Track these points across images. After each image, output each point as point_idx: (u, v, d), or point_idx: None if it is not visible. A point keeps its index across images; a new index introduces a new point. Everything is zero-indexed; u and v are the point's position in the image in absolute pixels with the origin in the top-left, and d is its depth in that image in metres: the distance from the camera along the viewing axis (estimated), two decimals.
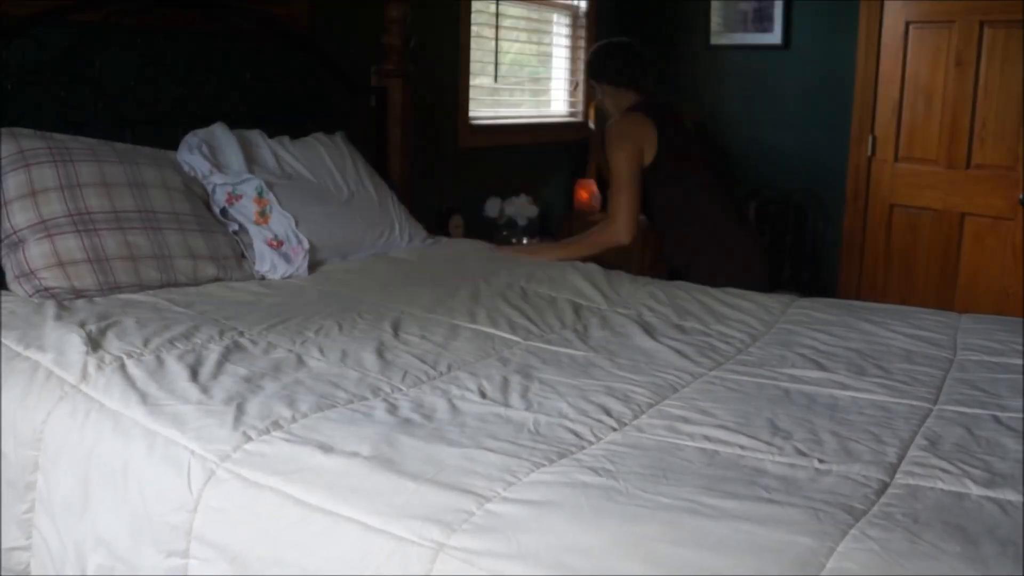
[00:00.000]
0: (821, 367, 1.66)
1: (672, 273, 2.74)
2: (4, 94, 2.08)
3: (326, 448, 1.25)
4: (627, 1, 4.40)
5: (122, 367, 1.52)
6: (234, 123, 2.40)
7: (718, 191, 2.86)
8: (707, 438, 1.32)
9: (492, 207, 3.59)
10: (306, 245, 2.27)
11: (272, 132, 2.52)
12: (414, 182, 3.02)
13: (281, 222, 2.27)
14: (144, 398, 1.41)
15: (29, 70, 2.11)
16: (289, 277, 2.20)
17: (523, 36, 4.01)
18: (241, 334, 1.72)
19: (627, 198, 2.70)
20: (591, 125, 4.11)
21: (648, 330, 1.90)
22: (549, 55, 4.12)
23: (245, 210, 2.26)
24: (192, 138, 2.30)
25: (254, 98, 2.57)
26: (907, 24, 3.77)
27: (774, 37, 4.15)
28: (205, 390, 1.44)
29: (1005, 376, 1.63)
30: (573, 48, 4.25)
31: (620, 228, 2.70)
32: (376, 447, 1.25)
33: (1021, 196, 3.48)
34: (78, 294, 1.88)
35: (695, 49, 4.44)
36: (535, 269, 2.40)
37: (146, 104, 2.33)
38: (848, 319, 1.99)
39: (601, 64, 2.89)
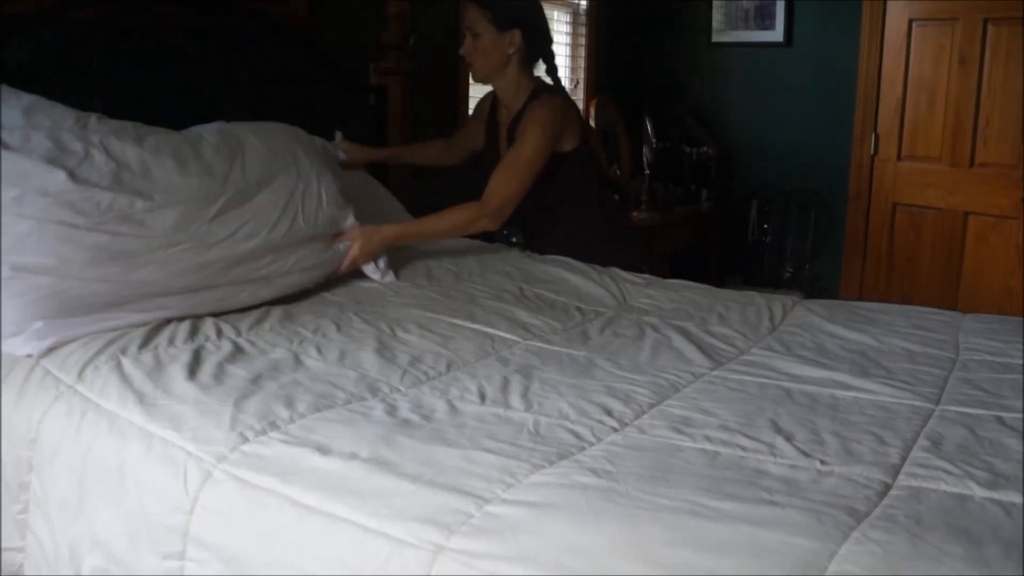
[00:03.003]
0: (823, 367, 1.65)
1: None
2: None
3: (324, 449, 1.24)
4: None
5: (118, 366, 1.51)
6: (232, 121, 2.39)
7: (607, 194, 2.82)
8: (708, 439, 1.31)
9: None
10: None
11: None
12: (413, 181, 3.01)
13: None
14: (140, 398, 1.40)
15: (26, 68, 2.10)
16: None
17: None
18: (239, 334, 1.72)
19: (520, 186, 2.35)
20: (591, 123, 4.11)
21: (649, 330, 1.89)
22: None
23: None
24: None
25: (253, 96, 2.56)
26: (910, 22, 3.76)
27: (776, 35, 4.15)
28: (202, 390, 1.43)
29: (1008, 376, 1.62)
30: (573, 46, 4.25)
31: (494, 213, 2.32)
32: (374, 448, 1.24)
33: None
34: None
35: (697, 47, 4.43)
36: (535, 269, 2.39)
37: (144, 102, 2.32)
38: (850, 319, 1.98)
39: (518, 10, 2.49)
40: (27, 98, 1.87)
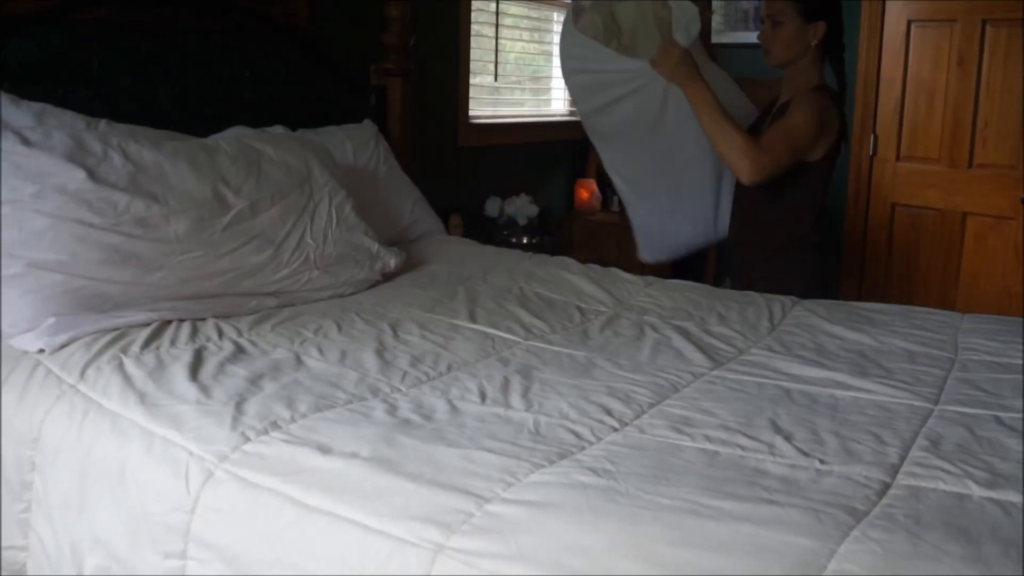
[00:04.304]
0: (822, 367, 1.66)
1: (746, 283, 2.47)
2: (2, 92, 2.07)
3: (325, 449, 1.24)
4: None
5: (120, 366, 1.51)
6: (233, 122, 2.40)
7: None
8: (708, 438, 1.31)
9: (492, 206, 3.58)
10: None
11: None
12: (413, 181, 3.01)
13: None
14: (142, 398, 1.40)
15: (27, 68, 2.10)
16: None
17: (523, 35, 4.01)
18: (240, 334, 1.72)
19: (785, 150, 2.30)
20: None
21: (649, 330, 1.89)
22: (550, 54, 4.11)
23: None
24: None
25: (253, 97, 2.56)
26: (909, 23, 3.76)
27: None
28: (204, 390, 1.43)
29: (1007, 376, 1.62)
30: None
31: (760, 168, 2.26)
32: (375, 448, 1.24)
33: (1023, 195, 3.48)
34: None
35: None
36: (534, 270, 2.39)
37: (144, 103, 2.33)
38: (850, 319, 1.99)
39: (826, 2, 2.45)
40: (36, 105, 1.90)
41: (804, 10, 2.43)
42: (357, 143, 2.61)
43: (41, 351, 1.57)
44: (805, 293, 2.29)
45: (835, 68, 2.53)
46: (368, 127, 2.72)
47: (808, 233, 2.48)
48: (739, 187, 2.55)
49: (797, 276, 2.44)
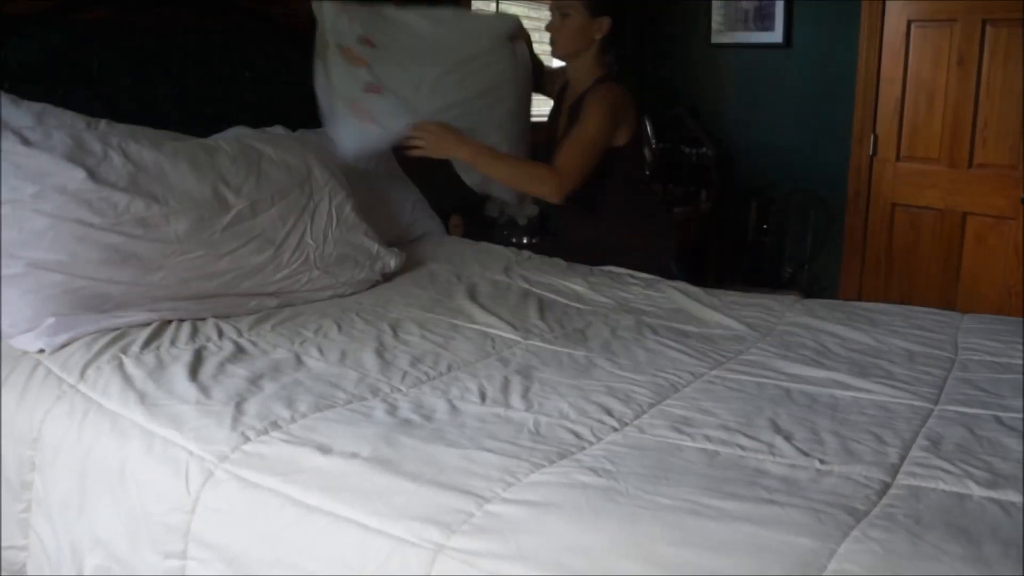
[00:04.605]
0: (822, 367, 1.66)
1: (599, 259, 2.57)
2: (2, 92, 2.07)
3: (325, 449, 1.24)
4: None
5: (120, 366, 1.51)
6: (233, 122, 2.39)
7: (651, 186, 2.85)
8: (708, 438, 1.31)
9: (492, 207, 3.58)
10: None
11: None
12: (413, 181, 3.01)
13: None
14: (142, 398, 1.40)
15: (27, 68, 2.10)
16: None
17: None
18: (240, 334, 1.72)
19: (584, 161, 2.39)
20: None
21: (649, 330, 1.89)
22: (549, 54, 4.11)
23: None
24: None
25: (253, 97, 2.56)
26: (909, 23, 3.76)
27: (775, 35, 4.15)
28: (204, 390, 1.43)
29: (1007, 376, 1.62)
30: None
31: (561, 185, 2.35)
32: (375, 448, 1.24)
33: (1023, 195, 3.48)
34: None
35: (696, 47, 4.43)
36: (535, 270, 2.39)
37: (144, 103, 2.33)
38: (850, 319, 1.99)
39: (622, 6, 2.56)
40: (37, 105, 1.89)
41: (590, 5, 2.48)
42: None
43: (41, 351, 1.57)
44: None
45: (617, 63, 2.63)
46: None
47: (638, 217, 2.59)
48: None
49: (640, 262, 2.49)
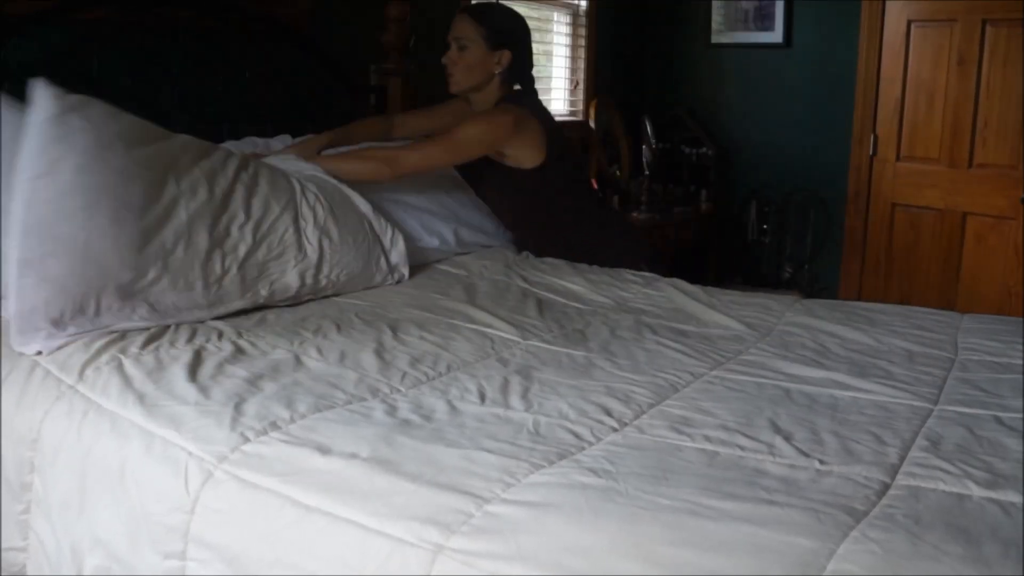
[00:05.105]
0: (822, 367, 1.66)
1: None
2: (2, 93, 2.07)
3: (324, 449, 1.24)
4: None
5: (119, 367, 1.51)
6: (233, 122, 2.40)
7: (587, 186, 2.80)
8: (707, 438, 1.31)
9: None
10: None
11: (271, 131, 2.51)
12: None
13: None
14: (142, 398, 1.40)
15: (27, 68, 2.10)
16: None
17: None
18: (239, 335, 1.72)
19: (427, 160, 2.30)
20: (591, 124, 4.11)
21: (648, 330, 1.89)
22: (549, 54, 4.12)
23: None
24: None
25: (254, 97, 2.57)
26: (909, 23, 3.77)
27: (775, 35, 4.15)
28: (203, 390, 1.43)
29: (1007, 376, 1.62)
30: (573, 47, 4.25)
31: (400, 167, 2.27)
32: (375, 448, 1.24)
33: (1023, 195, 3.48)
34: None
35: (696, 47, 4.43)
36: (534, 270, 2.39)
37: (145, 103, 2.32)
38: (849, 319, 1.99)
39: (513, 32, 2.47)
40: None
41: (489, 36, 2.41)
42: None
43: (39, 353, 1.56)
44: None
45: (525, 90, 2.55)
46: None
47: (575, 224, 2.55)
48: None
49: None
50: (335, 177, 2.19)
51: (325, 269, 2.00)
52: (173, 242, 1.75)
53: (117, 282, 1.66)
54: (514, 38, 2.47)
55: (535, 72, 2.62)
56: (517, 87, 2.56)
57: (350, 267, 2.05)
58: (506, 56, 2.44)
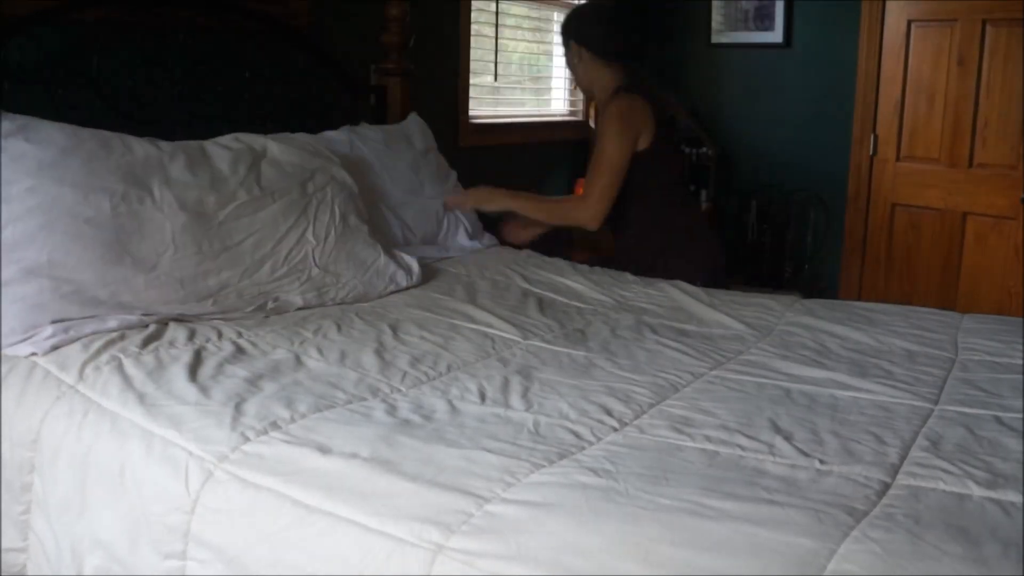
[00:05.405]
0: (822, 367, 1.66)
1: (634, 271, 2.56)
2: (2, 93, 2.07)
3: (325, 449, 1.24)
4: None
5: (119, 367, 1.51)
6: (233, 122, 2.39)
7: (685, 188, 2.90)
8: (708, 438, 1.31)
9: None
10: None
11: (272, 131, 2.51)
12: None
13: None
14: (142, 398, 1.40)
15: (27, 69, 2.10)
16: None
17: (524, 35, 4.01)
18: (239, 335, 1.72)
19: (609, 184, 2.49)
20: (591, 124, 4.11)
21: (649, 330, 1.89)
22: (550, 54, 4.11)
23: None
24: None
25: (253, 97, 2.56)
26: (909, 23, 3.76)
27: (775, 36, 4.15)
28: (203, 390, 1.43)
29: (1007, 376, 1.62)
30: None
31: (591, 212, 2.50)
32: (375, 448, 1.24)
33: (1023, 195, 3.48)
34: None
35: (696, 47, 4.43)
36: (535, 270, 2.39)
37: (145, 103, 2.33)
38: (850, 319, 1.99)
39: (588, 28, 2.65)
40: (20, 119, 1.80)
41: (563, 39, 2.71)
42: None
43: (33, 354, 1.56)
44: (701, 279, 2.39)
45: (630, 71, 2.68)
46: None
47: (666, 218, 2.63)
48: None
49: (678, 268, 2.50)
50: (530, 214, 2.58)
51: (331, 292, 2.01)
52: (157, 255, 1.74)
53: (93, 297, 1.66)
54: (572, 29, 2.66)
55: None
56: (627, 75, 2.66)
57: (357, 290, 2.05)
58: (580, 49, 2.63)
